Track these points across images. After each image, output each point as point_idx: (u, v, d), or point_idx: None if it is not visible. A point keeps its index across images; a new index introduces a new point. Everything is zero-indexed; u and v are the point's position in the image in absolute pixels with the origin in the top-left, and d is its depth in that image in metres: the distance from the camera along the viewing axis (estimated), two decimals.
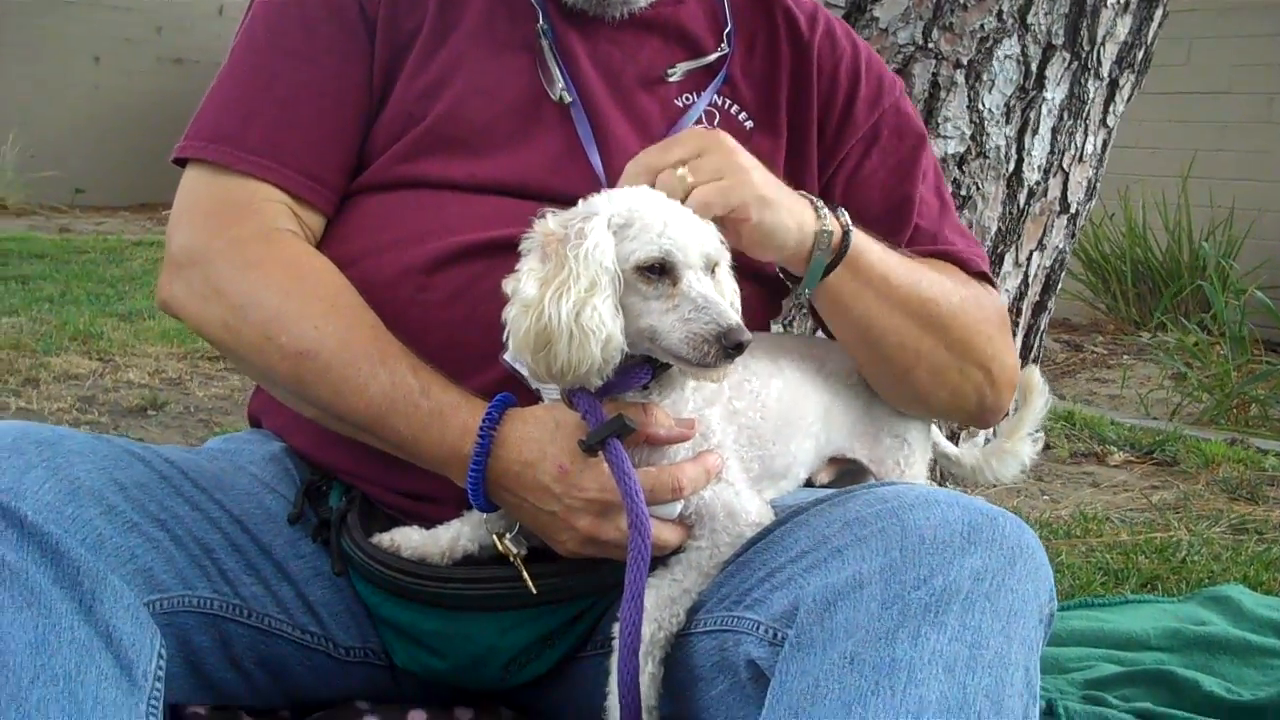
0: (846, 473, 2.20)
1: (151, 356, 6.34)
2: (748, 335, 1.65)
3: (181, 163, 2.11)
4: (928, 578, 1.58)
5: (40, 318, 7.28)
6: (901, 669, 1.52)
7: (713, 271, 1.73)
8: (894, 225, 2.20)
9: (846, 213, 1.95)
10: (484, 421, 1.79)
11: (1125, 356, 7.62)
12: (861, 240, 1.95)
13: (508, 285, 1.71)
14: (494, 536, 1.85)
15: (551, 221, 1.72)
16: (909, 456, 2.17)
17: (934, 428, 2.36)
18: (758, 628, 1.71)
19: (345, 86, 2.08)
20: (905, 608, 1.56)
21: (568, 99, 2.08)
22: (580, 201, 1.75)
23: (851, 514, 1.70)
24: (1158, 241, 9.03)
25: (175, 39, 17.96)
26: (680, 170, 1.76)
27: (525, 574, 1.83)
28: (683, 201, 1.74)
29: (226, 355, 2.08)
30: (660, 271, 1.68)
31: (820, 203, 1.92)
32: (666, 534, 1.80)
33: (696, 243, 1.69)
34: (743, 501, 1.84)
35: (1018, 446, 2.34)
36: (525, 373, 1.80)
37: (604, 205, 1.72)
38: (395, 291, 1.97)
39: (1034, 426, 2.34)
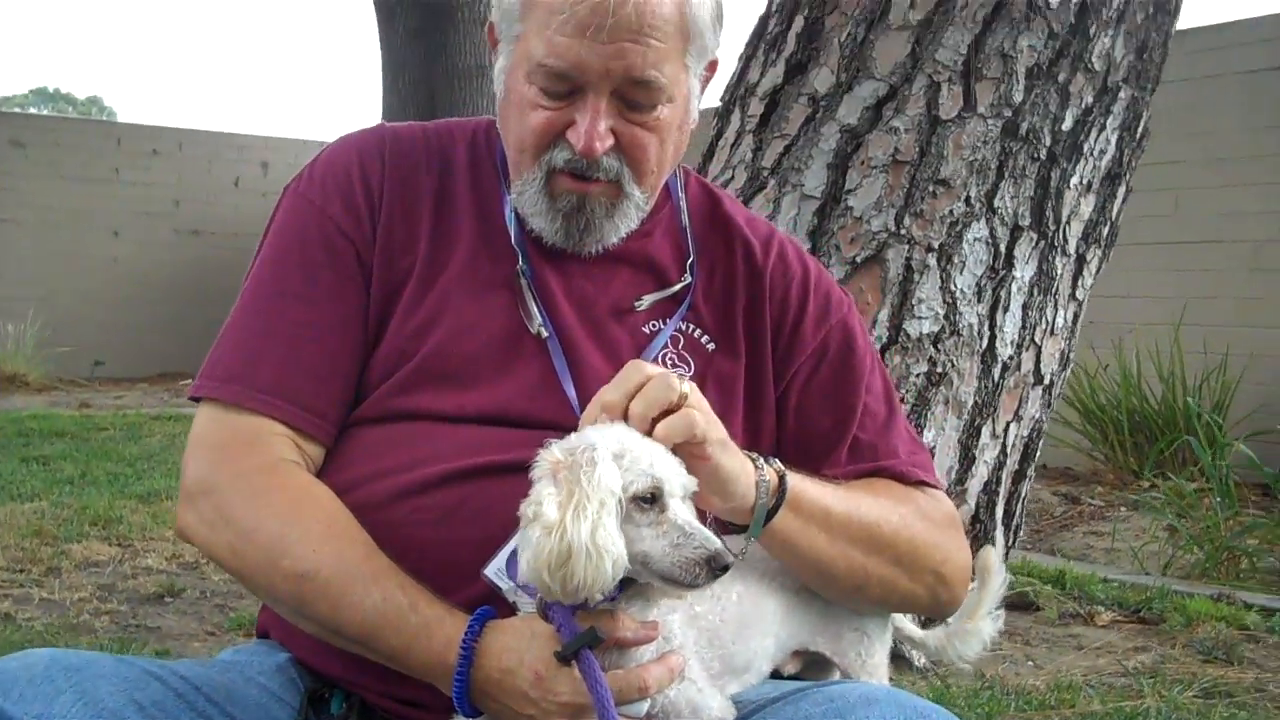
0: (812, 661, 2.32)
1: (169, 540, 6.49)
2: (731, 557, 1.82)
3: (197, 399, 2.29)
4: None
5: (61, 501, 7.45)
6: None
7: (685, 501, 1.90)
8: (837, 437, 2.36)
9: (778, 460, 2.12)
10: (466, 634, 1.95)
11: (1122, 509, 7.71)
12: (797, 481, 2.12)
13: (527, 509, 1.86)
14: None
15: (557, 450, 1.89)
16: (869, 647, 2.30)
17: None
18: None
19: (344, 327, 2.27)
20: None
21: (545, 334, 2.26)
22: (574, 434, 1.92)
23: (801, 714, 1.87)
24: (1152, 391, 9.16)
25: (193, 210, 18.43)
26: (639, 408, 1.91)
27: None
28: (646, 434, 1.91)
29: (235, 577, 2.23)
30: (651, 501, 1.84)
31: (753, 454, 2.09)
32: None
33: (677, 475, 1.88)
34: (705, 699, 1.98)
35: (978, 626, 2.45)
36: (504, 588, 1.97)
37: (599, 438, 1.88)
38: (389, 514, 2.14)
39: (992, 605, 2.45)
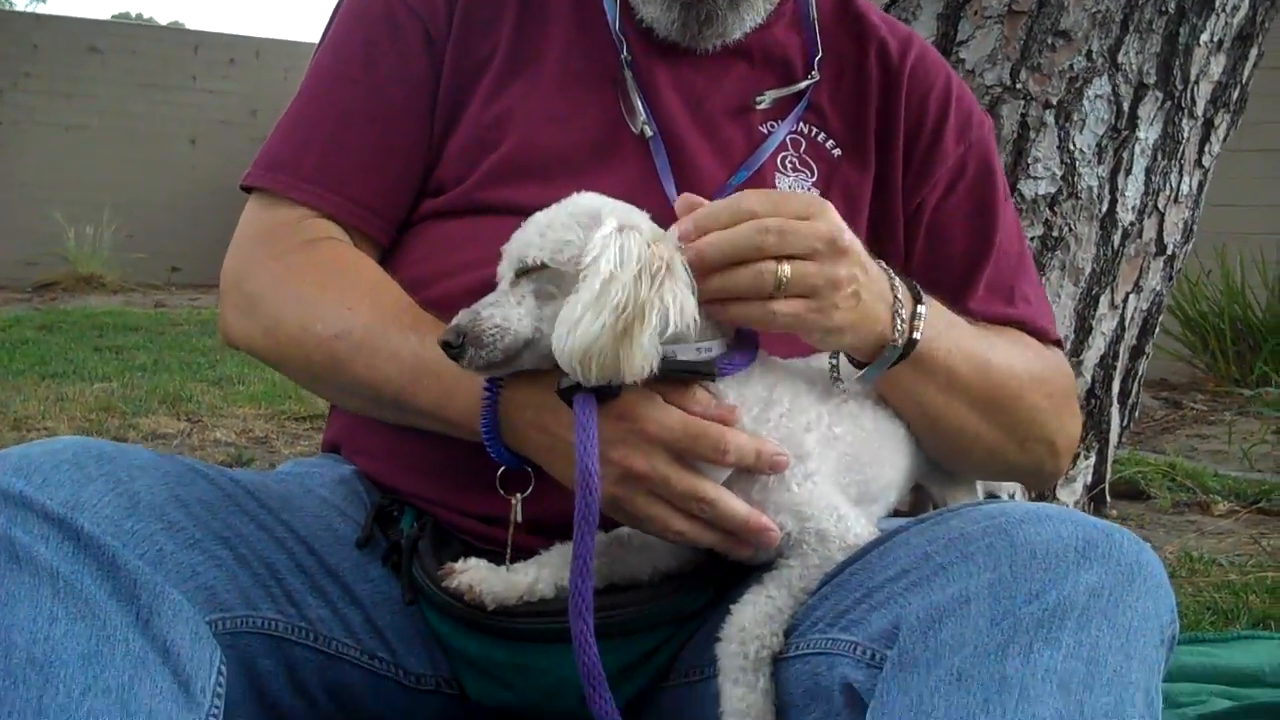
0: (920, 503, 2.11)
1: (239, 417, 6.39)
2: (445, 336, 1.65)
3: (248, 189, 2.14)
4: (1040, 593, 1.48)
5: (132, 383, 7.37)
6: (1013, 686, 1.43)
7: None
8: (974, 266, 2.15)
9: (926, 306, 1.82)
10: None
11: (1226, 413, 7.44)
12: (930, 337, 1.83)
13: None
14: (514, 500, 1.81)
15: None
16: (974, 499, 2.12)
17: None
18: (855, 649, 1.61)
19: (405, 114, 2.09)
20: (1016, 623, 1.47)
21: (649, 132, 2.05)
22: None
23: (955, 531, 1.61)
24: (1257, 299, 8.84)
25: (269, 120, 18.10)
26: (782, 269, 1.64)
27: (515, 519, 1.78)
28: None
29: (274, 366, 2.07)
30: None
31: (902, 300, 1.79)
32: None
33: (516, 251, 1.72)
34: (847, 524, 1.75)
35: None
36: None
37: None
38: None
39: None
